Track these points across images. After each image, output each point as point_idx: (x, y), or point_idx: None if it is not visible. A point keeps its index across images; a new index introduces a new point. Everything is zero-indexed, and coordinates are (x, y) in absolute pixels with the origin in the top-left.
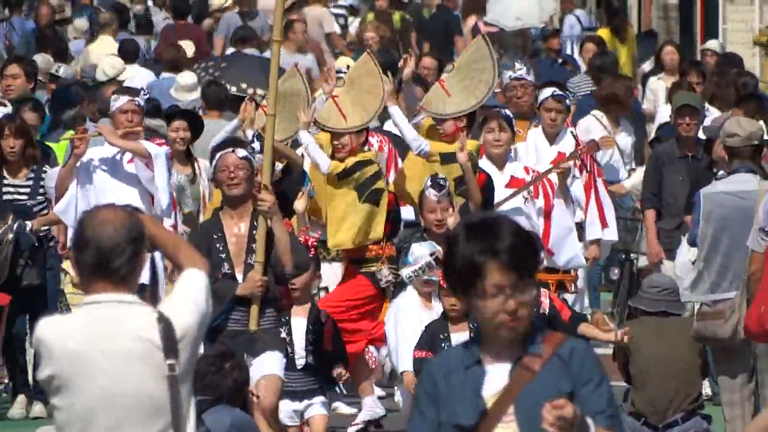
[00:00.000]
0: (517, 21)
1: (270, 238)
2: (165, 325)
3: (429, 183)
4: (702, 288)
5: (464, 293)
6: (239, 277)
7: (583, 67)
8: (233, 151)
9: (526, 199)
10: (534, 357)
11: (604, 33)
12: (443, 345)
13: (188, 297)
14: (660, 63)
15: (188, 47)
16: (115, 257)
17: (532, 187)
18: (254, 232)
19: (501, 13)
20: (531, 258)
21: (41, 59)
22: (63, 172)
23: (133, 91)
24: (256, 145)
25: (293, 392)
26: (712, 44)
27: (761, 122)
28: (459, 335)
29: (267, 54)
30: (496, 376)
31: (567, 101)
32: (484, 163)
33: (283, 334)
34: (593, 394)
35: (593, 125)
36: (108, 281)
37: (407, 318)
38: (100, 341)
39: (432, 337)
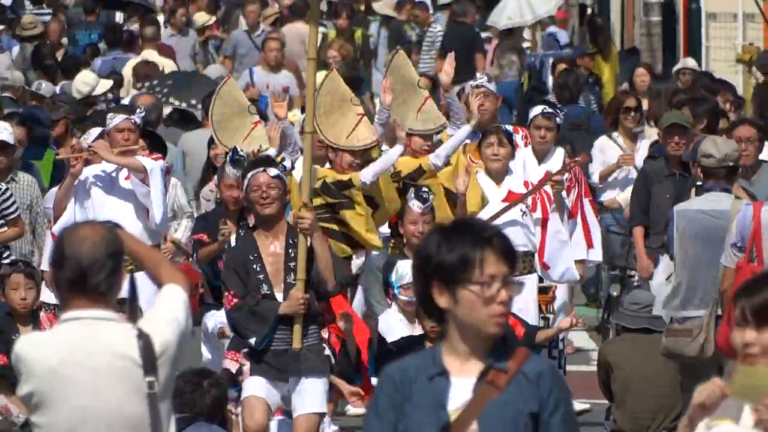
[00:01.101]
0: (508, 20)
1: (310, 255)
2: (144, 341)
3: (412, 194)
4: (673, 304)
5: (436, 301)
6: (279, 296)
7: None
8: (264, 170)
9: (524, 212)
10: (499, 372)
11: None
12: None
13: (168, 314)
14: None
15: (168, 65)
16: (93, 273)
17: (530, 200)
18: (290, 250)
19: (497, 14)
20: (514, 255)
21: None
22: (60, 192)
23: (129, 110)
24: (288, 163)
25: None
26: (689, 62)
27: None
28: None
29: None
30: (461, 390)
31: (557, 119)
32: (482, 177)
33: (327, 351)
34: (559, 424)
35: (607, 146)
36: (87, 297)
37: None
38: (80, 358)
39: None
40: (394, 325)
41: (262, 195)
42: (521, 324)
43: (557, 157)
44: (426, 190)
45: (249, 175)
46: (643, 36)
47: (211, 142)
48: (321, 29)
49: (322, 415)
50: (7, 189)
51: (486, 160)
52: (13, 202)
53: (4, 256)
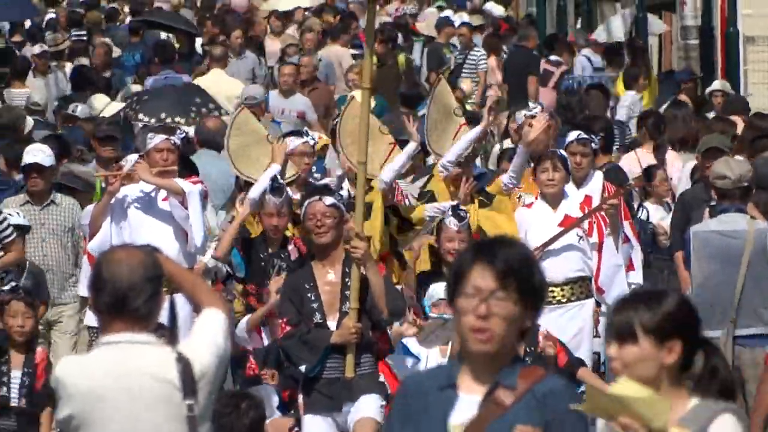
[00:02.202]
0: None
1: (365, 284)
2: (184, 365)
3: (450, 213)
4: None
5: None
6: (332, 324)
7: None
8: (320, 198)
9: (581, 237)
10: (507, 390)
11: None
12: None
13: (207, 337)
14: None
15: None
16: (132, 297)
17: (586, 225)
18: (347, 278)
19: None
20: (524, 274)
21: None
22: (97, 209)
23: (168, 130)
24: (345, 191)
25: None
26: (718, 85)
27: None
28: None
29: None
30: (467, 405)
31: (593, 144)
32: (539, 203)
33: (381, 378)
34: None
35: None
36: (126, 321)
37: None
38: (119, 381)
39: None
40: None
41: (317, 224)
42: (565, 352)
43: (596, 181)
44: (464, 208)
45: (306, 203)
46: (681, 59)
47: None
48: (355, 52)
49: (379, 424)
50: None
51: (542, 186)
52: (8, 226)
53: (6, 281)
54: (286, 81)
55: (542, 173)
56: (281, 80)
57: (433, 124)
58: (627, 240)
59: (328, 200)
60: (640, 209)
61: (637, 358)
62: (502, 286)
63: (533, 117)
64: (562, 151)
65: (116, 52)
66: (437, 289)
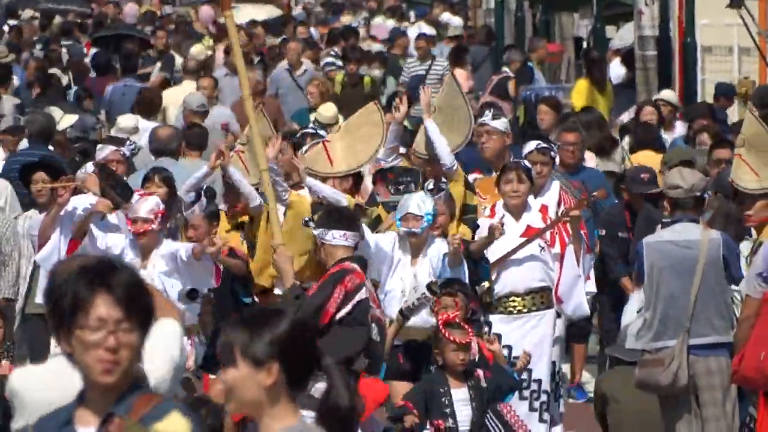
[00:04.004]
0: None
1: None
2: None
3: (429, 186)
4: (647, 336)
5: (63, 331)
6: None
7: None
8: None
9: (542, 248)
10: (120, 420)
11: (582, 83)
12: (443, 399)
13: (162, 348)
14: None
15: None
16: None
17: (548, 235)
18: None
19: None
20: (141, 298)
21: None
22: (46, 221)
23: (117, 141)
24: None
25: None
26: (666, 94)
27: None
28: (457, 391)
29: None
30: None
31: (552, 153)
32: (500, 212)
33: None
34: None
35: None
36: None
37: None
38: (74, 391)
39: (428, 393)
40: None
41: None
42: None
43: (553, 191)
44: (445, 181)
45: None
46: (639, 70)
47: None
48: (331, 66)
49: None
50: None
51: (505, 197)
52: None
53: None
54: (207, 95)
55: (506, 184)
56: (204, 93)
57: (440, 126)
58: (590, 251)
59: None
60: None
61: (236, 380)
62: (126, 317)
63: (482, 125)
64: (527, 162)
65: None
66: (408, 202)
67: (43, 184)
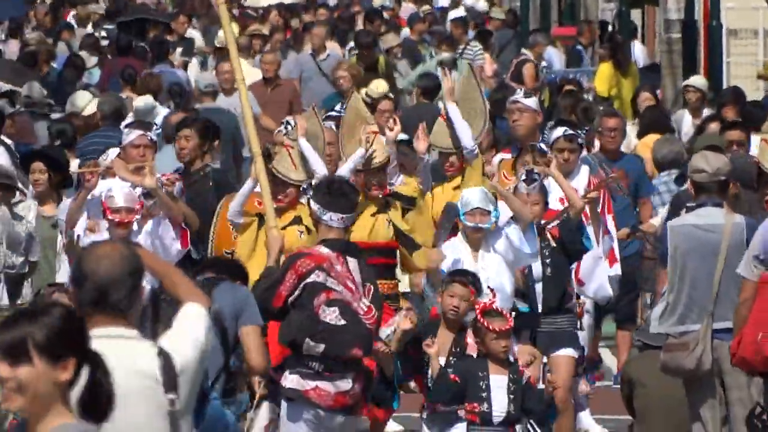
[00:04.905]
0: None
1: None
2: (165, 359)
3: (523, 177)
4: (671, 320)
5: None
6: None
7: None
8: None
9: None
10: None
11: (605, 67)
12: (481, 384)
13: (188, 331)
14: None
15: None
16: (113, 291)
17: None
18: None
19: None
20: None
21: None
22: (74, 206)
23: (145, 126)
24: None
25: None
26: (695, 80)
27: None
28: (497, 377)
29: None
30: None
31: (579, 140)
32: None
33: None
34: None
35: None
36: (107, 315)
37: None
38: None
39: (467, 373)
40: (457, 250)
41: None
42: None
43: (582, 175)
44: (537, 172)
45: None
46: (664, 53)
47: None
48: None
49: None
50: None
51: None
52: None
53: None
54: (227, 79)
55: (522, 166)
56: (221, 78)
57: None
58: (607, 232)
59: None
60: None
61: (32, 378)
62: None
63: (514, 103)
64: (542, 146)
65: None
66: (470, 197)
67: (72, 171)
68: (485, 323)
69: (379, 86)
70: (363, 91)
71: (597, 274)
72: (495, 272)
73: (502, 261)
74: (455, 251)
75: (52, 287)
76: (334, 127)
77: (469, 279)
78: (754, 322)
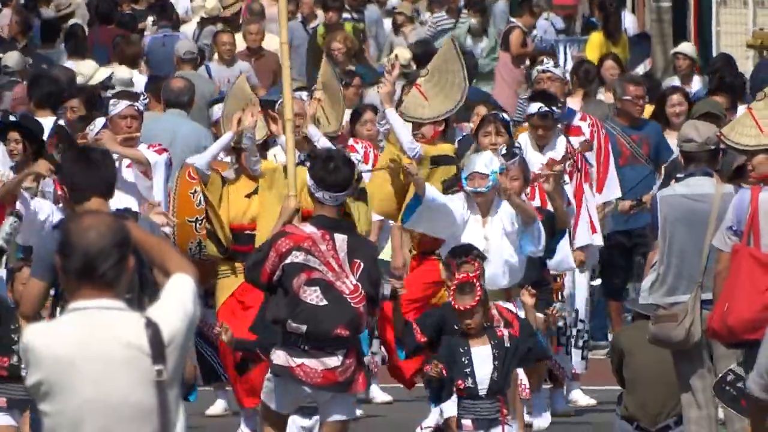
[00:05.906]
0: None
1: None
2: (153, 330)
3: (503, 152)
4: (660, 290)
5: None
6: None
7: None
8: None
9: (523, 201)
10: None
11: (596, 36)
12: (463, 359)
13: (176, 302)
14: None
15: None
16: (100, 262)
17: (528, 190)
18: None
19: None
20: None
21: None
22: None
23: (132, 96)
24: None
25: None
26: (684, 47)
27: None
28: (479, 349)
29: None
30: None
31: (553, 116)
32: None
33: None
34: None
35: None
36: (94, 287)
37: None
38: (88, 347)
39: (450, 354)
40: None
41: None
42: (517, 320)
43: (560, 145)
44: (519, 146)
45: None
46: (654, 22)
47: None
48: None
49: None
50: None
51: (484, 150)
52: None
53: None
54: (228, 50)
55: (484, 137)
56: (222, 49)
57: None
58: (569, 203)
59: None
60: None
61: None
62: None
63: (544, 72)
64: (505, 115)
65: None
66: (475, 161)
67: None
68: (454, 303)
69: (404, 53)
70: (386, 59)
71: (559, 246)
72: (500, 239)
73: (505, 233)
74: (462, 213)
75: (22, 261)
76: (304, 97)
77: (474, 254)
78: (725, 294)
